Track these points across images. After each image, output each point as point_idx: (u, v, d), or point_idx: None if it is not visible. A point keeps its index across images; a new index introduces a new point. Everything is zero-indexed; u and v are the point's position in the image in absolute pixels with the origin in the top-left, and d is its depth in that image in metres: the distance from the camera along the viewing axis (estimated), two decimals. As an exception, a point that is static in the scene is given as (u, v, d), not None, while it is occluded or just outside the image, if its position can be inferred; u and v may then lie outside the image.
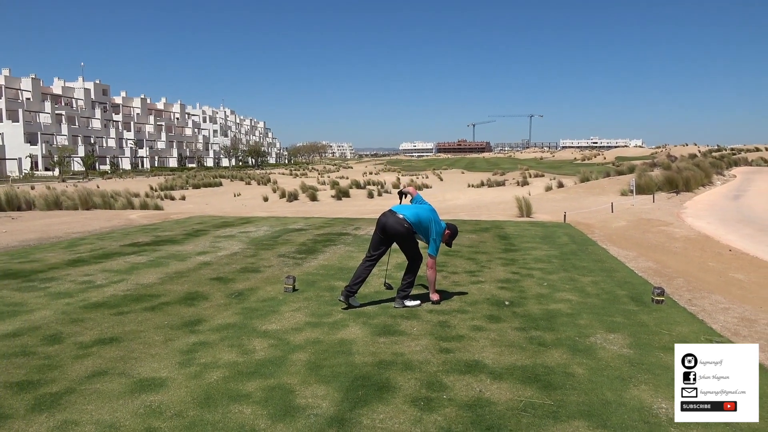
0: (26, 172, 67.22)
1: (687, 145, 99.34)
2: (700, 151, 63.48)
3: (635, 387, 3.83)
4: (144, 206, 20.62)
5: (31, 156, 71.34)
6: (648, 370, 4.11)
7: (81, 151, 75.76)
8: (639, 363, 4.25)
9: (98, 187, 32.40)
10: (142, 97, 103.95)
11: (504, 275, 7.44)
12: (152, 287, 6.74)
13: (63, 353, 4.44)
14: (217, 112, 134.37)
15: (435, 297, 5.96)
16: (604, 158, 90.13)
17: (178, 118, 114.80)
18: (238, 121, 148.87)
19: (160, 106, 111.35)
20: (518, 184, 39.29)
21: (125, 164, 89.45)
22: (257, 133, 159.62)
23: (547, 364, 4.23)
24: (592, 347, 4.59)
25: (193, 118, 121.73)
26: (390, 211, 5.78)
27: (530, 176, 47.31)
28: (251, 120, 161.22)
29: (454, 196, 31.18)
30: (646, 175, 24.31)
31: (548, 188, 29.75)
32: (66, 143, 74.80)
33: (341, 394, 3.69)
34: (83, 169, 66.66)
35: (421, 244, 5.98)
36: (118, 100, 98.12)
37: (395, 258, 7.21)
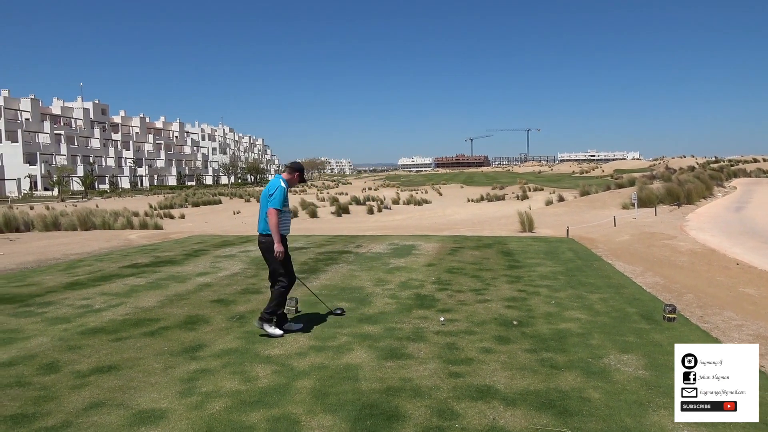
0: (25, 192, 67.15)
1: (685, 156, 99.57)
2: (698, 163, 63.56)
3: (654, 412, 3.68)
4: (143, 225, 20.48)
5: (30, 176, 71.30)
6: (666, 394, 3.96)
7: (80, 170, 75.76)
8: (656, 386, 4.11)
9: (97, 206, 32.33)
10: (141, 116, 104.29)
11: (510, 293, 7.30)
12: (152, 311, 6.60)
13: (60, 383, 4.29)
14: (216, 130, 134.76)
15: (278, 248, 5.41)
16: (603, 171, 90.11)
17: (177, 137, 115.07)
18: (236, 138, 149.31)
19: (159, 124, 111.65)
20: (518, 198, 39.24)
21: (124, 183, 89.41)
22: (256, 150, 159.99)
23: (561, 388, 4.09)
24: (606, 369, 4.45)
25: (192, 136, 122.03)
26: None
27: (530, 190, 47.27)
28: (250, 137, 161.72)
29: (453, 211, 31.10)
30: (647, 188, 24.25)
31: (549, 202, 29.68)
32: (65, 163, 74.89)
33: (349, 425, 3.54)
34: (82, 188, 66.60)
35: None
36: (117, 119, 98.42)
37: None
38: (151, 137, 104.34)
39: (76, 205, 36.08)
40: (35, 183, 71.75)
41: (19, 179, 69.41)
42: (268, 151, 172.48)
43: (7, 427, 3.55)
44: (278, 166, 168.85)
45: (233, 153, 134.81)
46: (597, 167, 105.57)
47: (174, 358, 4.87)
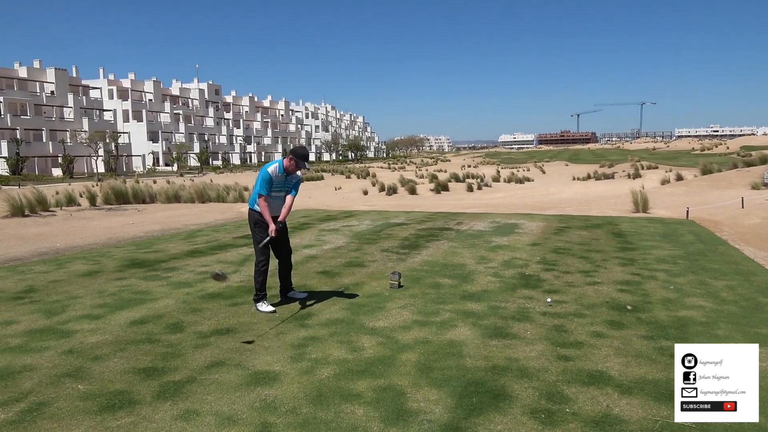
0: (149, 167, 73.27)
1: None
2: None
3: (795, 413, 3.31)
4: (253, 199, 21.63)
5: (153, 153, 77.46)
6: (809, 393, 3.55)
7: (196, 147, 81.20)
8: (796, 384, 3.69)
9: (212, 181, 34.58)
10: (250, 95, 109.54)
11: (623, 276, 6.90)
12: (263, 279, 6.94)
13: (184, 342, 4.64)
14: (318, 108, 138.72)
15: (271, 227, 5.36)
16: (728, 148, 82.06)
17: (282, 115, 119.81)
18: (338, 116, 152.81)
19: (266, 103, 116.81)
20: (629, 177, 36.91)
21: (235, 159, 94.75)
22: (356, 128, 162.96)
23: (683, 379, 3.79)
24: (735, 362, 4.07)
25: (296, 114, 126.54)
26: None
27: (642, 168, 44.26)
28: (351, 115, 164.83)
29: (558, 190, 29.88)
30: (781, 167, 21.83)
31: (665, 181, 27.63)
32: (183, 140, 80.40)
33: (454, 400, 3.52)
34: (198, 164, 71.49)
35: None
36: (228, 99, 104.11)
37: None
38: (258, 116, 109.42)
39: (193, 180, 38.82)
40: (157, 159, 77.90)
41: (143, 155, 75.65)
42: (368, 129, 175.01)
43: (141, 378, 3.90)
44: (377, 143, 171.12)
45: (335, 130, 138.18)
46: (721, 143, 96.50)
47: (285, 324, 5.10)
